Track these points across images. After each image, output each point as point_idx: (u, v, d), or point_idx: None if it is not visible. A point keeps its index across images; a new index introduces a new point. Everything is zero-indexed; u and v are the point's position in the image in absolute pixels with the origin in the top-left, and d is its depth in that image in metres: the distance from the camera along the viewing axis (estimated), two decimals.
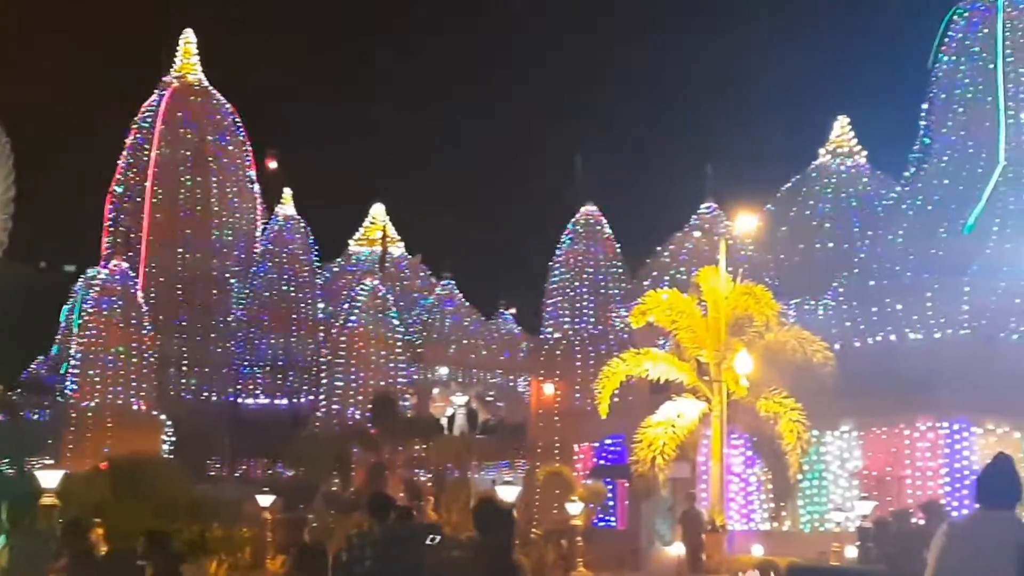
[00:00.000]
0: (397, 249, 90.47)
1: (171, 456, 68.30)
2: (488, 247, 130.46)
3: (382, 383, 72.25)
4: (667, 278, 59.08)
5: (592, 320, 68.24)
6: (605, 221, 70.52)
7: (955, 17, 56.75)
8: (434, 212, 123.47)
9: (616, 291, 68.17)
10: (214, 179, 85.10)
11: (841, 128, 65.94)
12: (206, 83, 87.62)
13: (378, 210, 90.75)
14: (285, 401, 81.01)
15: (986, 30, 55.75)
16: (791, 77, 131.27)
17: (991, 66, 55.05)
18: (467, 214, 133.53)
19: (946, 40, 56.77)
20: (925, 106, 56.97)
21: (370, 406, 66.86)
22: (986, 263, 52.03)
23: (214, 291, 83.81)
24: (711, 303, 42.05)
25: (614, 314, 65.31)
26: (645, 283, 60.16)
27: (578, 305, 69.00)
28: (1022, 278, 50.91)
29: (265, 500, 49.38)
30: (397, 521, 15.24)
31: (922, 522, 39.51)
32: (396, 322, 76.72)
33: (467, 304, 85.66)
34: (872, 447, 49.69)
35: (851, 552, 39.46)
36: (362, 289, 76.50)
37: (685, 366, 42.38)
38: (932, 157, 56.24)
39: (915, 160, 57.12)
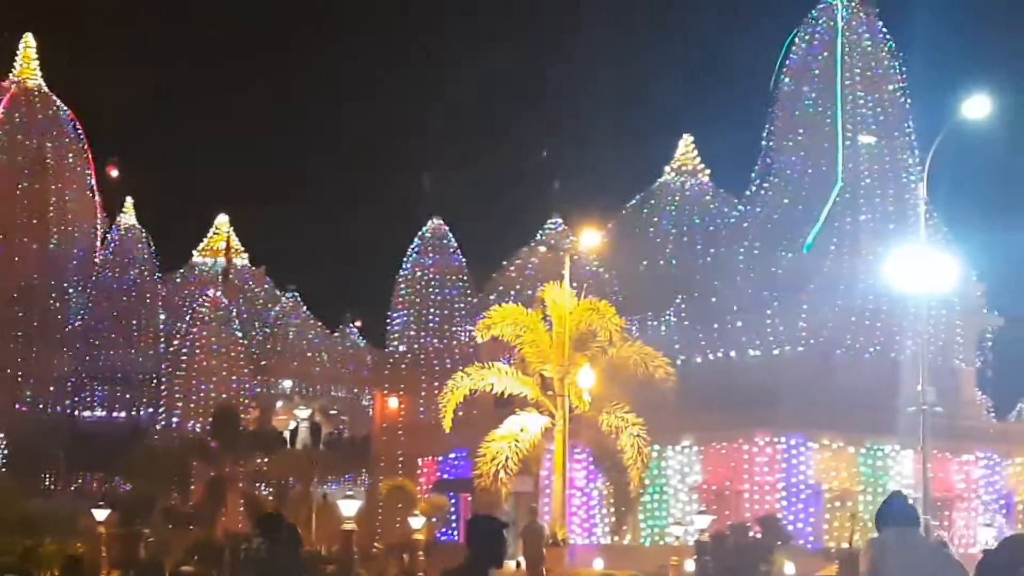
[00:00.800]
0: (241, 260, 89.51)
1: (2, 469, 66.79)
2: (334, 260, 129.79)
3: (224, 396, 71.41)
4: (513, 293, 59.24)
5: (437, 334, 68.20)
6: (452, 235, 70.64)
7: (796, 40, 57.88)
8: (280, 224, 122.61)
9: (462, 305, 68.23)
10: (53, 187, 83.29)
11: (685, 147, 66.70)
12: (46, 89, 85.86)
13: (222, 220, 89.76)
14: (124, 414, 79.52)
15: (826, 53, 56.96)
16: (638, 96, 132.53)
17: (831, 88, 56.26)
18: (313, 226, 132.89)
19: (788, 62, 57.87)
20: (767, 126, 58.00)
21: (211, 419, 65.97)
22: (823, 281, 53.13)
23: (52, 301, 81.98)
24: (555, 318, 42.19)
25: (459, 328, 65.40)
26: (491, 298, 60.24)
27: (424, 319, 68.94)
28: (858, 296, 52.12)
29: (100, 514, 48.38)
30: (288, 542, 14.81)
31: (759, 535, 40.26)
32: (239, 334, 75.94)
33: (312, 317, 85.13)
34: (712, 462, 50.41)
35: (690, 566, 39.94)
36: (205, 300, 75.59)
37: (529, 381, 42.42)
38: (773, 177, 57.24)
39: (756, 179, 58.09)
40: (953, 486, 50.74)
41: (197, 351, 73.80)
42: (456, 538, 56.88)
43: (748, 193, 58.74)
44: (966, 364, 56.05)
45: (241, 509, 59.55)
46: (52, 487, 71.20)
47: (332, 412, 77.95)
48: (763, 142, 58.09)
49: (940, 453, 44.30)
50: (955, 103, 29.53)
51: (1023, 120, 53.67)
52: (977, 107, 28.75)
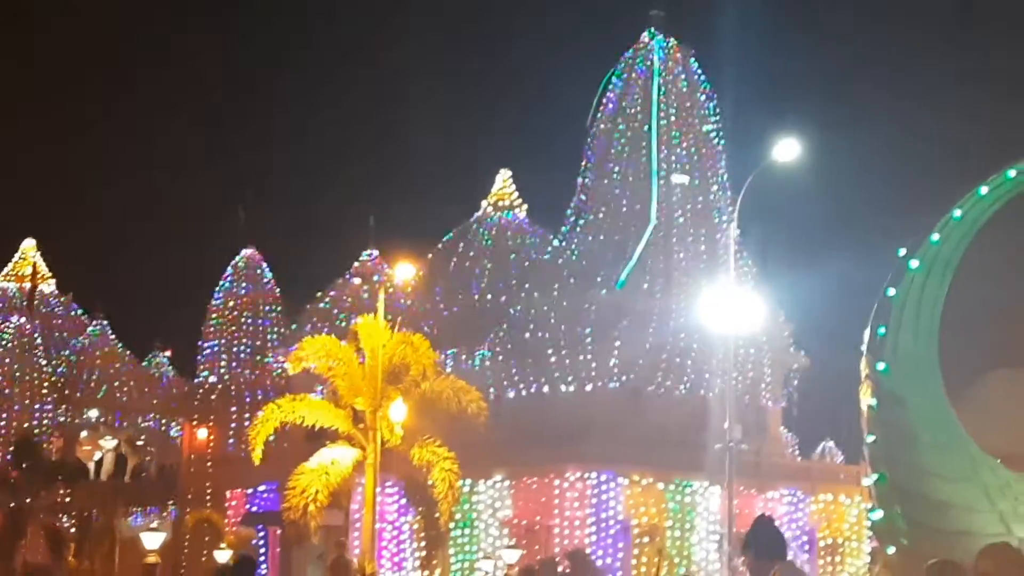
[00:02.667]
0: (48, 286, 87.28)
1: None
2: (144, 287, 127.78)
3: (25, 425, 69.64)
4: (327, 325, 58.85)
5: (249, 365, 67.49)
6: (266, 265, 70.03)
7: (614, 79, 58.54)
8: (88, 250, 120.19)
9: (275, 336, 67.62)
10: None
11: (503, 181, 66.71)
12: None
13: (29, 245, 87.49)
14: None
15: (643, 93, 57.74)
16: (456, 129, 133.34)
17: (646, 128, 57.03)
18: (122, 253, 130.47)
19: (605, 100, 58.49)
20: (583, 163, 58.52)
21: (11, 448, 64.25)
22: (636, 319, 53.74)
23: None
24: (369, 351, 41.98)
25: (272, 359, 64.75)
26: (305, 329, 59.81)
27: (235, 349, 68.14)
28: (669, 334, 52.85)
29: None
30: None
31: (568, 571, 40.46)
32: (43, 362, 74.17)
33: (120, 345, 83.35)
34: (522, 496, 50.59)
35: None
36: (7, 327, 73.71)
37: (340, 413, 42.12)
38: (588, 213, 57.76)
39: (572, 216, 58.54)
40: None
41: (2, 377, 71.98)
42: (264, 573, 56.22)
43: (564, 229, 59.20)
44: (773, 402, 57.16)
45: (42, 541, 58.18)
46: None
47: (139, 443, 76.40)
48: (579, 178, 58.59)
49: (746, 490, 45.05)
50: (766, 146, 30.14)
51: (831, 164, 55.17)
52: (786, 150, 29.36)
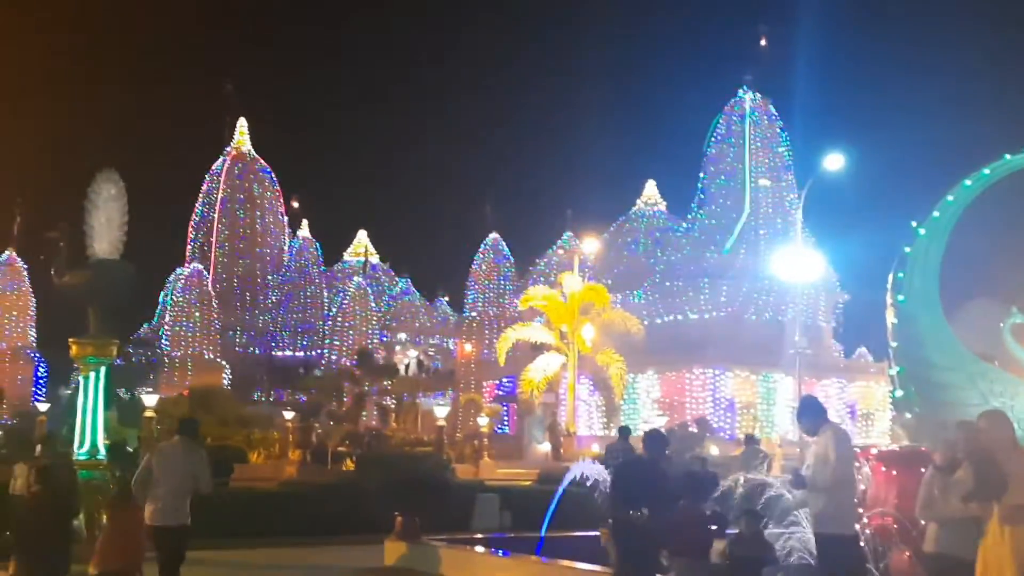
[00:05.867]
0: (374, 259, 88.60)
1: (229, 387, 67.14)
2: (432, 254, 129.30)
3: (363, 342, 71.69)
4: (543, 279, 59.24)
5: (495, 304, 68.38)
6: (504, 244, 70.86)
7: (720, 120, 57.60)
8: (399, 231, 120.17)
9: (510, 287, 68.36)
10: (257, 214, 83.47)
11: (650, 188, 66.32)
12: (253, 152, 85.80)
13: (362, 234, 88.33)
14: (301, 354, 79.65)
15: (738, 128, 56.65)
16: (621, 149, 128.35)
17: (741, 150, 55.96)
18: (422, 235, 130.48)
19: (715, 134, 57.53)
20: (701, 174, 57.69)
21: (356, 356, 66.16)
22: (737, 272, 52.81)
23: (258, 282, 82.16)
24: (569, 295, 42.23)
25: (509, 300, 65.48)
26: (529, 281, 60.34)
27: (487, 295, 69.17)
28: (758, 281, 51.77)
29: (288, 415, 48.58)
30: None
31: (694, 429, 40.06)
32: (373, 304, 76.23)
33: (417, 293, 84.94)
34: (666, 384, 50.22)
35: None
36: (352, 284, 76.00)
37: (552, 333, 42.49)
38: (705, 206, 56.94)
39: (695, 207, 57.80)
40: None
41: (348, 315, 74.21)
42: (507, 431, 56.90)
43: (689, 216, 58.42)
44: (825, 323, 55.55)
45: (375, 412, 59.66)
46: (259, 399, 71.42)
47: (430, 353, 77.91)
48: (699, 184, 57.75)
49: (809, 379, 43.83)
50: (823, 153, 29.15)
51: (866, 168, 53.09)
52: (834, 161, 28.39)
